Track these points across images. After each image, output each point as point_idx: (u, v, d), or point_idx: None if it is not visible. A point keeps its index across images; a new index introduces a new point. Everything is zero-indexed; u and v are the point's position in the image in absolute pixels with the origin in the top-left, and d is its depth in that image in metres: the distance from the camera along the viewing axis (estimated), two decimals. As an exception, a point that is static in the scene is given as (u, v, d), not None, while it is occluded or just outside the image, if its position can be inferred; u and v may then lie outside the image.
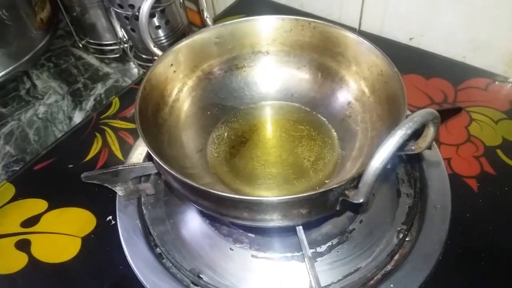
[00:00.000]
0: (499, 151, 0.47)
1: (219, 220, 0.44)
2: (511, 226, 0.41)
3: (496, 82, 0.54)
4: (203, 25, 0.47)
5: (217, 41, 0.46)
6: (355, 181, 0.31)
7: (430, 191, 0.44)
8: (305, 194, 0.31)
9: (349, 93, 0.46)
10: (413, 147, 0.32)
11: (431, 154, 0.47)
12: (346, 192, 0.31)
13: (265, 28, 0.47)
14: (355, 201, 0.30)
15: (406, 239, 0.41)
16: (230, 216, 0.35)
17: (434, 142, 0.47)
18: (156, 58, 0.43)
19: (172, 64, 0.44)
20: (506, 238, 0.41)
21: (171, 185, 0.38)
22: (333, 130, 0.47)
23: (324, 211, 0.34)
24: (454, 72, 0.56)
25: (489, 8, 0.52)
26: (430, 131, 0.30)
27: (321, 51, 0.46)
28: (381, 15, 0.62)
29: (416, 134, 0.31)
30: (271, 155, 0.45)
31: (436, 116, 0.28)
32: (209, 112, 0.48)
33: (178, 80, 0.45)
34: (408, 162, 0.48)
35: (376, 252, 0.41)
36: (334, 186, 0.31)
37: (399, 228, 0.42)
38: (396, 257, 0.41)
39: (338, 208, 0.33)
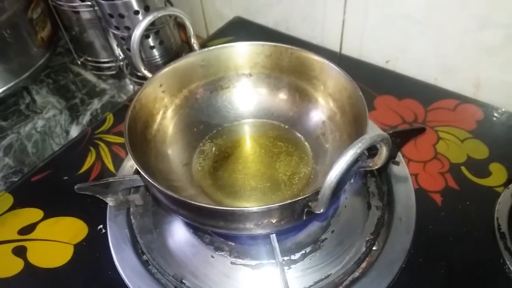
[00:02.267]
0: (463, 168, 0.51)
1: (201, 229, 0.47)
2: (470, 237, 0.45)
3: (464, 103, 0.58)
4: (191, 49, 0.51)
5: (203, 64, 0.51)
6: (318, 194, 0.35)
7: (396, 204, 0.47)
8: (272, 205, 0.34)
9: (323, 113, 0.50)
10: (370, 164, 0.36)
11: (400, 170, 0.51)
12: (310, 203, 0.35)
13: (247, 52, 0.51)
14: (316, 211, 0.34)
15: (373, 248, 0.45)
16: (207, 224, 0.38)
17: (402, 159, 0.51)
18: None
19: (161, 85, 0.48)
20: (465, 248, 0.44)
21: (156, 197, 0.42)
22: (308, 146, 0.51)
23: (293, 220, 0.37)
24: (425, 93, 0.60)
25: (456, 34, 0.56)
26: (382, 150, 0.34)
27: (298, 75, 0.50)
28: (359, 39, 0.66)
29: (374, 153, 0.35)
30: (251, 169, 0.49)
31: (385, 137, 0.32)
32: (195, 129, 0.52)
33: (166, 99, 0.49)
34: (378, 176, 0.51)
35: (345, 260, 0.44)
36: (299, 198, 0.34)
37: (367, 238, 0.46)
38: (364, 264, 0.44)
39: (304, 218, 0.37)
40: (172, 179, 0.45)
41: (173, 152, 0.48)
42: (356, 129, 0.44)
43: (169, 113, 0.49)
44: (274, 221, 0.36)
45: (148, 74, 0.47)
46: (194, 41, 0.51)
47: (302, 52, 0.48)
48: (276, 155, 0.50)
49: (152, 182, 0.35)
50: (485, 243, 0.44)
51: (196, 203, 0.35)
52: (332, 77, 0.47)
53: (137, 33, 0.45)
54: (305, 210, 0.36)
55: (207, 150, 0.51)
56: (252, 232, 0.37)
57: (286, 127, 0.53)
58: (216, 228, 0.38)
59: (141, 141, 0.43)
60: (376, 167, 0.35)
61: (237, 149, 0.51)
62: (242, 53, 0.51)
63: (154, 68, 0.68)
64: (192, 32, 0.51)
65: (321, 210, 0.33)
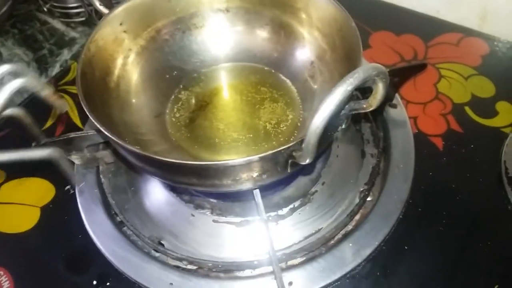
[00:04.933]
0: (467, 108, 0.46)
1: (180, 187, 0.43)
2: (474, 183, 0.41)
3: (469, 37, 0.52)
4: None
5: (171, -3, 0.44)
6: (303, 143, 0.30)
7: (393, 151, 0.43)
8: (251, 157, 0.30)
9: (311, 51, 0.44)
10: (364, 105, 0.31)
11: (397, 113, 0.46)
12: (294, 153, 0.30)
13: (223, -18, 0.44)
14: (302, 163, 0.29)
15: (368, 199, 0.41)
16: (183, 182, 0.34)
17: (400, 101, 0.46)
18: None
19: (121, 23, 0.41)
20: (469, 196, 0.40)
21: (120, 154, 0.37)
22: (295, 91, 0.45)
23: (276, 173, 0.33)
24: (426, 27, 0.54)
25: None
26: (378, 88, 0.28)
27: (282, 8, 0.44)
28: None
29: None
30: (232, 118, 0.44)
31: (382, 71, 0.26)
32: (167, 75, 0.46)
33: (129, 40, 0.43)
34: (374, 121, 0.46)
35: (337, 213, 0.41)
36: (281, 148, 0.30)
37: (361, 189, 0.42)
38: (357, 217, 0.41)
39: (289, 170, 0.32)
40: (141, 132, 0.40)
41: (141, 102, 0.43)
42: (348, 67, 0.38)
43: (133, 56, 0.43)
44: (255, 175, 0.32)
45: (105, 10, 0.41)
46: None
47: None
48: (260, 102, 0.45)
49: (111, 136, 0.30)
50: (491, 189, 0.41)
51: (164, 159, 0.30)
52: (320, 7, 0.41)
53: None
54: (289, 161, 0.31)
55: (182, 99, 0.46)
56: (231, 189, 0.33)
57: (270, 70, 0.47)
58: (192, 185, 0.34)
59: (102, 90, 0.38)
60: (371, 109, 0.30)
61: (215, 96, 0.46)
62: (218, -18, 0.44)
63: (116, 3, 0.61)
64: None
65: (307, 161, 0.29)
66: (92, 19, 0.68)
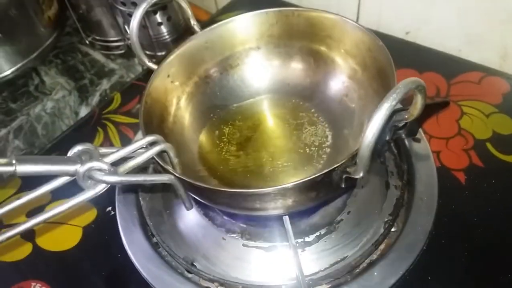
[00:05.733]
0: (488, 144, 0.48)
1: (212, 210, 0.46)
2: (496, 217, 0.42)
3: (490, 76, 0.54)
4: (192, 32, 0.48)
5: (207, 46, 0.48)
6: (355, 158, 0.32)
7: (417, 183, 0.45)
8: (309, 178, 0.32)
9: (342, 73, 0.47)
10: (406, 116, 0.33)
11: (421, 147, 0.48)
12: (348, 169, 0.32)
13: (251, 24, 0.48)
14: (356, 176, 0.31)
15: (392, 230, 0.43)
16: (245, 208, 0.37)
17: (423, 136, 0.49)
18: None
19: (168, 75, 0.46)
20: (490, 229, 0.41)
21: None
22: (332, 111, 0.48)
23: (331, 190, 0.36)
24: (448, 66, 0.56)
25: (481, 2, 0.52)
26: (418, 98, 0.31)
27: (310, 37, 0.48)
28: (378, 9, 0.63)
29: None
30: (276, 146, 0.47)
31: (420, 83, 0.29)
32: (211, 114, 0.50)
33: (177, 89, 0.47)
34: (398, 155, 0.49)
35: (362, 242, 0.42)
36: (336, 165, 0.32)
37: (386, 219, 0.44)
38: (382, 246, 0.42)
39: (343, 185, 0.34)
40: (197, 170, 0.43)
41: (193, 141, 0.46)
42: (382, 83, 0.41)
43: (183, 102, 0.47)
44: (313, 195, 0.35)
45: (154, 66, 0.45)
46: (194, 23, 0.48)
47: (310, 12, 0.46)
48: (300, 126, 0.48)
49: (192, 182, 0.33)
50: (512, 223, 0.41)
51: (235, 190, 0.34)
52: (346, 32, 0.44)
53: (134, 24, 0.42)
54: (344, 176, 0.33)
55: (228, 134, 0.49)
56: (291, 210, 0.36)
57: (305, 95, 0.50)
58: (254, 211, 0.37)
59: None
60: (413, 118, 0.32)
61: (258, 128, 0.49)
62: (246, 26, 0.48)
63: (162, 46, 0.66)
64: (190, 13, 0.48)
65: (361, 174, 0.31)
66: (131, 52, 0.72)
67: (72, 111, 0.67)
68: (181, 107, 0.48)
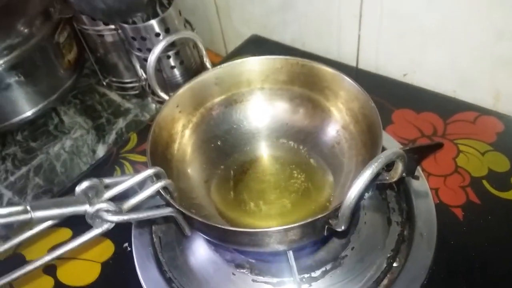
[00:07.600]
0: (484, 181, 0.50)
1: (222, 246, 0.48)
2: (492, 253, 0.44)
3: (484, 115, 0.58)
4: (204, 68, 0.53)
5: (216, 82, 0.52)
6: (337, 211, 0.35)
7: (417, 220, 0.47)
8: (293, 225, 0.35)
9: (337, 122, 0.51)
10: (387, 177, 0.37)
11: (420, 184, 0.50)
12: (330, 221, 0.35)
13: (258, 67, 0.53)
14: (337, 229, 0.35)
15: (394, 265, 0.45)
16: (231, 242, 0.40)
17: (422, 173, 0.51)
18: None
19: (177, 106, 0.50)
20: (487, 264, 0.43)
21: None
22: (324, 158, 0.51)
23: (314, 236, 0.39)
24: (444, 106, 0.60)
25: (473, 46, 0.56)
26: (398, 166, 0.35)
27: (310, 86, 0.52)
28: (375, 53, 0.67)
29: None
30: (269, 183, 0.51)
31: (400, 154, 0.33)
32: (212, 145, 0.53)
33: (183, 119, 0.51)
34: (398, 191, 0.51)
35: (366, 278, 0.44)
36: (319, 216, 0.35)
37: (388, 255, 0.46)
38: (385, 282, 0.44)
39: (325, 233, 0.37)
40: (193, 197, 0.46)
41: (193, 170, 0.50)
42: (370, 138, 0.45)
43: (187, 132, 0.51)
44: (295, 238, 0.37)
45: (165, 97, 0.49)
46: (206, 60, 0.53)
47: (313, 64, 0.50)
48: (294, 168, 0.51)
49: (187, 214, 0.37)
50: (509, 258, 0.44)
51: (218, 226, 0.37)
52: (343, 87, 0.48)
53: (152, 58, 0.47)
54: (326, 226, 0.36)
55: (225, 165, 0.53)
56: (271, 249, 0.38)
57: (301, 138, 0.54)
58: (241, 246, 0.40)
59: (163, 163, 0.45)
60: (393, 180, 0.36)
61: (254, 163, 0.53)
62: (254, 68, 0.53)
63: (175, 87, 0.70)
64: (204, 52, 0.53)
65: (342, 228, 0.34)
66: (145, 92, 0.77)
67: (90, 149, 0.70)
68: (185, 136, 0.51)
